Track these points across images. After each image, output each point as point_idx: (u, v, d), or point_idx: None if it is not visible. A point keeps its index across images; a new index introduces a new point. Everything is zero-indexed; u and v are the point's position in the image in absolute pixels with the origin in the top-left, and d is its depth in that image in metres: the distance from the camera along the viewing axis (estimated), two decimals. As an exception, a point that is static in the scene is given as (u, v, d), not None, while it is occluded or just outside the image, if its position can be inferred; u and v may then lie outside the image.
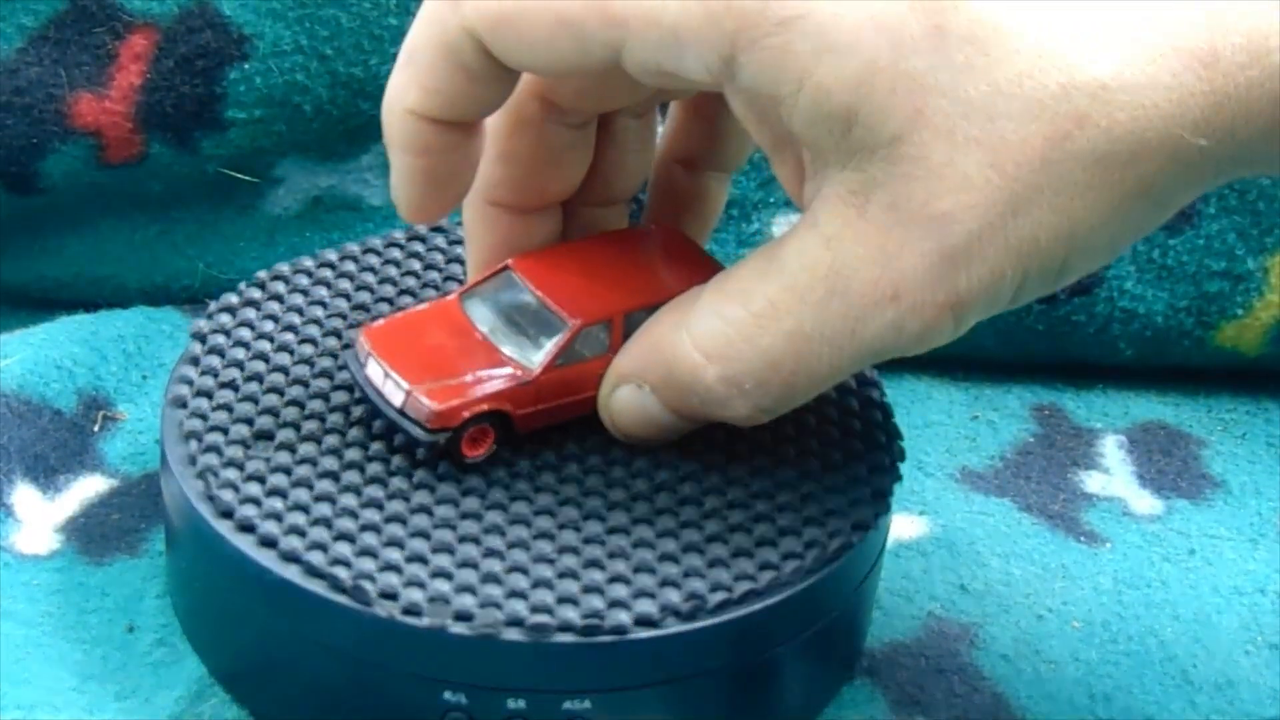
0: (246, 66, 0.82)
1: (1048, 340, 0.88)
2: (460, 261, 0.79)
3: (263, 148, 0.84)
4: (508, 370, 0.68)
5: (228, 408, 0.70)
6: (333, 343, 0.73)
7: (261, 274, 0.77)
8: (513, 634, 0.63)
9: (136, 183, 0.84)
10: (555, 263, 0.71)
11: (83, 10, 0.82)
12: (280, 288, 0.76)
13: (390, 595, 0.63)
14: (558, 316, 0.69)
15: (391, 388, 0.68)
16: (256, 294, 0.76)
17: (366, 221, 0.87)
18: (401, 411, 0.68)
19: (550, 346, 0.69)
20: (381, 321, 0.70)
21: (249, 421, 0.70)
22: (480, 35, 0.61)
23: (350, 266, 0.78)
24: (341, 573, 0.64)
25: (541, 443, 0.70)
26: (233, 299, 0.75)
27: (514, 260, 0.70)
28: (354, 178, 0.87)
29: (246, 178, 0.85)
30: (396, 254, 0.79)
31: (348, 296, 0.76)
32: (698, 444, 0.71)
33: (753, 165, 0.85)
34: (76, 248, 0.87)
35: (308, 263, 0.78)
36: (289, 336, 0.74)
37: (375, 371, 0.69)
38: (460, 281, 0.77)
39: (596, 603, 0.64)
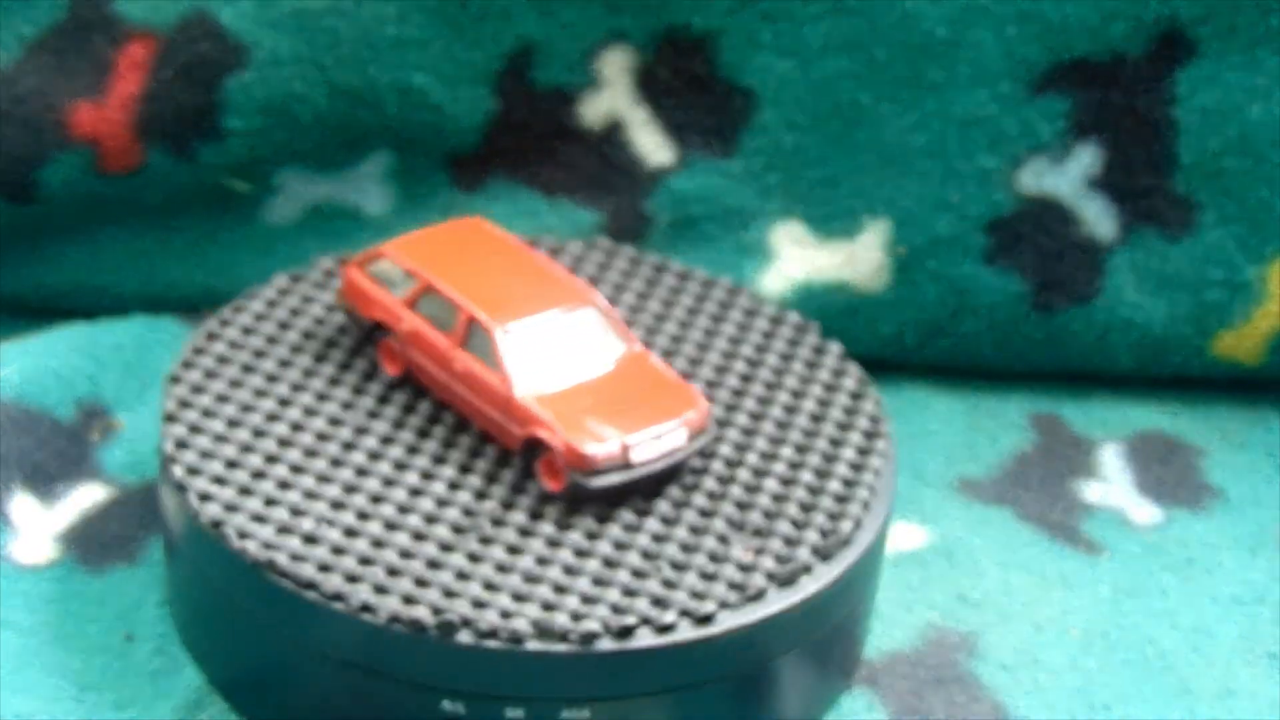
0: (245, 76, 0.82)
1: (1046, 349, 0.88)
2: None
3: (261, 157, 0.84)
4: (613, 358, 0.70)
5: (226, 416, 0.70)
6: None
7: (262, 283, 0.77)
8: (511, 643, 0.63)
9: (135, 192, 0.84)
10: (505, 293, 0.71)
11: (81, 20, 0.82)
12: (279, 296, 0.77)
13: (388, 604, 0.63)
14: (577, 305, 0.70)
15: (674, 439, 0.68)
16: (254, 301, 0.76)
17: (364, 230, 0.87)
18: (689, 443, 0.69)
19: (616, 330, 0.71)
20: (579, 438, 0.67)
21: (247, 430, 0.70)
22: None
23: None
24: (339, 581, 0.64)
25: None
26: (231, 306, 0.76)
27: (491, 324, 0.69)
28: (352, 186, 0.87)
29: (245, 186, 0.85)
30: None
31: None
32: (695, 456, 0.71)
33: (751, 173, 0.85)
34: (75, 257, 0.87)
35: (306, 271, 0.78)
36: (286, 344, 0.74)
37: (656, 447, 0.68)
38: None
39: (594, 612, 0.64)
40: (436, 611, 0.63)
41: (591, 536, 0.67)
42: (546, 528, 0.67)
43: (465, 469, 0.69)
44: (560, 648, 0.63)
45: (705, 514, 0.68)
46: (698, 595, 0.65)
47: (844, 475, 0.71)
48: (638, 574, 0.66)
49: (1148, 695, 0.73)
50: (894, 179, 0.85)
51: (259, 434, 0.70)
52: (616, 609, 0.64)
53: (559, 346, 0.70)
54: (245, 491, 0.67)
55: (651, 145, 0.86)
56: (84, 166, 0.83)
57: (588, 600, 0.64)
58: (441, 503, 0.68)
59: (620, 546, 0.67)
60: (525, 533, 0.67)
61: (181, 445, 0.69)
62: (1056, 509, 0.82)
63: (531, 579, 0.65)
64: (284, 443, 0.70)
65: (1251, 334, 0.87)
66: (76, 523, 0.77)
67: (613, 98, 0.85)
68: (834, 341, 0.78)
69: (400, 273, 0.73)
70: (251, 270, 0.87)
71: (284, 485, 0.68)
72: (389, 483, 0.68)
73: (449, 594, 0.64)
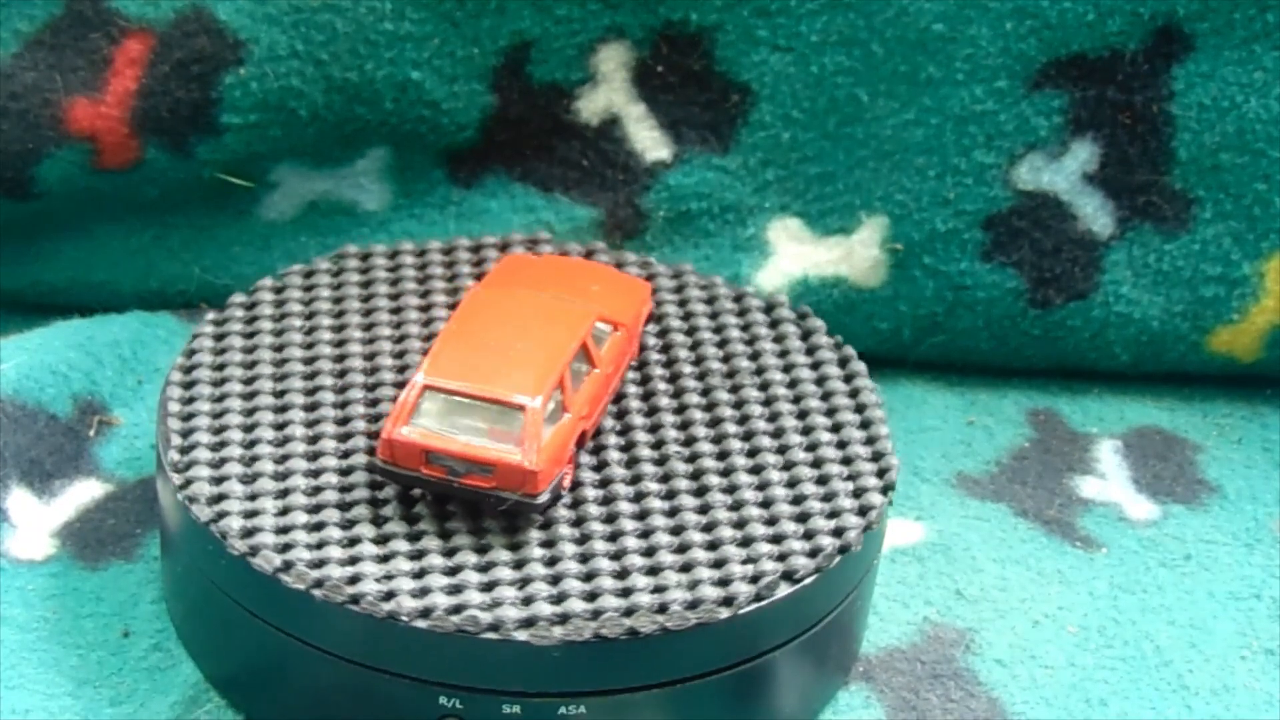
0: (242, 71, 0.82)
1: (1043, 345, 0.88)
2: (453, 268, 0.79)
3: (258, 153, 0.84)
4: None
5: (224, 413, 0.70)
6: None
7: (263, 281, 0.77)
8: (507, 638, 0.63)
9: (132, 188, 0.84)
10: (519, 318, 0.70)
11: (78, 15, 0.81)
12: (276, 291, 0.77)
13: (385, 599, 0.63)
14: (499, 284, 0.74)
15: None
16: (254, 300, 0.76)
17: (362, 226, 0.87)
18: None
19: None
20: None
21: (244, 427, 0.70)
22: None
23: (347, 274, 0.78)
24: (336, 577, 0.64)
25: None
26: (231, 305, 0.76)
27: (594, 312, 0.71)
28: (349, 183, 0.87)
29: (242, 183, 0.85)
30: (391, 260, 0.79)
31: (343, 304, 0.76)
32: (692, 450, 0.71)
33: (748, 169, 0.85)
34: (72, 253, 0.87)
35: (305, 268, 0.78)
36: (285, 344, 0.74)
37: None
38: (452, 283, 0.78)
39: (591, 607, 0.64)
40: (433, 607, 0.63)
41: (589, 534, 0.67)
42: (543, 526, 0.67)
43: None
44: (557, 643, 0.63)
45: (701, 510, 0.68)
46: (695, 590, 0.65)
47: (841, 470, 0.70)
48: (635, 570, 0.66)
49: (1144, 691, 0.73)
50: (891, 175, 0.85)
51: (256, 429, 0.70)
52: (613, 605, 0.64)
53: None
54: (242, 486, 0.67)
55: (648, 141, 0.86)
56: (81, 162, 0.83)
57: (585, 596, 0.64)
58: (438, 499, 0.68)
59: (618, 543, 0.67)
60: (522, 529, 0.67)
61: (178, 440, 0.69)
62: (1053, 505, 0.82)
63: (529, 575, 0.65)
64: (281, 438, 0.70)
65: (1248, 330, 0.87)
66: (73, 519, 0.77)
67: (609, 93, 0.85)
68: (832, 334, 0.78)
69: (532, 410, 0.67)
70: (249, 266, 0.87)
71: (280, 480, 0.68)
72: (387, 481, 0.68)
73: (445, 589, 0.64)
